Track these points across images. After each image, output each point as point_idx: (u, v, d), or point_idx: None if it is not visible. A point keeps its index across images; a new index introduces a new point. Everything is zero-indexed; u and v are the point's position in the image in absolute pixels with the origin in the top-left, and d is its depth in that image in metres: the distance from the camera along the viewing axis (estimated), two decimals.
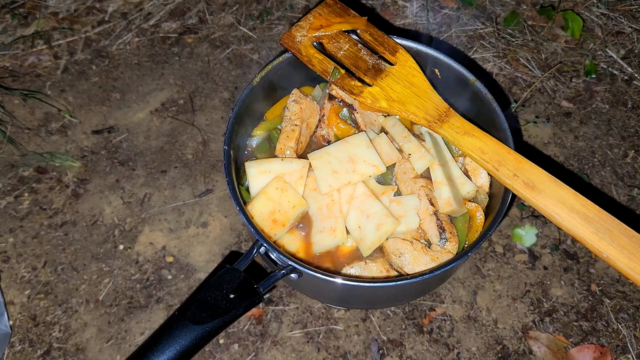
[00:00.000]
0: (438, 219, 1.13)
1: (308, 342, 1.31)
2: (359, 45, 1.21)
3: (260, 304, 1.34)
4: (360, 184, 1.15)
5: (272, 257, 1.04)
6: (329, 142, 1.26)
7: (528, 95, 1.71)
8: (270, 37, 1.83)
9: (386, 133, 1.23)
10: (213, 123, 1.65)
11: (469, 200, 1.20)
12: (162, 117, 1.66)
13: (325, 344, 1.31)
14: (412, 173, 1.18)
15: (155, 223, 1.47)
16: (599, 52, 1.80)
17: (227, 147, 1.13)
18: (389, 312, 1.36)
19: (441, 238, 1.12)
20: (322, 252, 1.15)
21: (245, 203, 1.11)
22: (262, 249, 1.03)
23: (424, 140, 1.22)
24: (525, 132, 1.65)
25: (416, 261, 1.10)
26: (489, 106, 1.20)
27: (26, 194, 1.51)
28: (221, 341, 1.31)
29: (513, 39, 1.82)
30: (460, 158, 1.24)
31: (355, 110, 1.23)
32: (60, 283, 1.38)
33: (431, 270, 1.03)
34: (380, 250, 1.16)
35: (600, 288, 1.40)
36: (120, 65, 1.77)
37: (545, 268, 1.43)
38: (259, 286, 1.01)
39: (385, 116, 1.27)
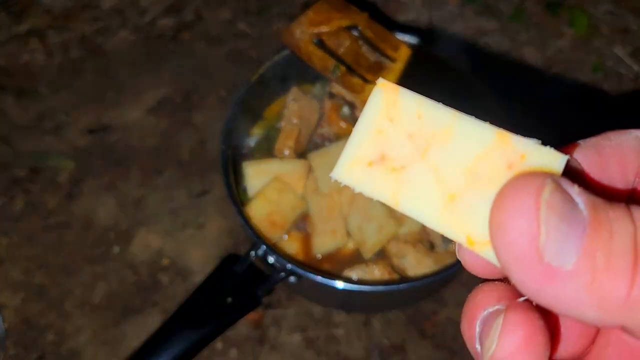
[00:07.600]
0: None
1: (308, 346, 1.29)
2: (360, 41, 1.19)
3: (259, 308, 1.33)
4: None
5: (271, 260, 1.03)
6: (329, 141, 1.24)
7: None
8: (268, 34, 1.81)
9: None
10: (210, 122, 1.63)
11: None
12: (157, 116, 1.64)
13: (326, 348, 1.29)
14: None
15: (150, 225, 1.45)
16: (605, 50, 1.79)
17: (224, 147, 1.12)
18: (390, 316, 1.33)
19: (445, 240, 1.11)
20: (322, 254, 1.14)
21: (243, 204, 1.10)
22: (260, 252, 1.02)
23: None
24: None
25: (419, 264, 1.08)
26: (490, 105, 1.18)
27: (20, 195, 1.49)
28: (219, 345, 1.29)
29: (518, 36, 1.81)
30: None
31: (357, 108, 1.22)
32: (54, 286, 1.36)
33: (434, 273, 1.02)
34: (382, 252, 1.14)
35: None
36: (115, 63, 1.74)
37: None
38: (257, 290, 1.00)
39: None
